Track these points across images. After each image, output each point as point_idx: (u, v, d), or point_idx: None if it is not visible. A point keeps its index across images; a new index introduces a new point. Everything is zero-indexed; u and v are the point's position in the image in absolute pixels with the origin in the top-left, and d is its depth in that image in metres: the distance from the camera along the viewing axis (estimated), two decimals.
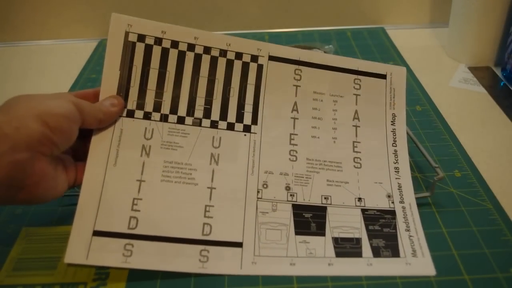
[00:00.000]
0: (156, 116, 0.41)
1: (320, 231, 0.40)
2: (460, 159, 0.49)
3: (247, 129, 0.43)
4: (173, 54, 0.42)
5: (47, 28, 0.78)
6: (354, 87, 0.46)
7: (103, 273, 0.38)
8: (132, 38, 0.42)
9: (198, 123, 0.42)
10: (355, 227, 0.40)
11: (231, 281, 0.37)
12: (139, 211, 0.38)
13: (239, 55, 0.44)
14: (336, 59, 0.46)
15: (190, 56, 0.43)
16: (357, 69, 0.46)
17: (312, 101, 0.45)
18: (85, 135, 0.39)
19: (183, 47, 0.43)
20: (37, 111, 0.34)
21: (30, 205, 0.42)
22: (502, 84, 0.62)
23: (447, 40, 0.70)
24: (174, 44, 0.42)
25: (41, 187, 0.35)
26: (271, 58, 0.44)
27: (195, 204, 0.39)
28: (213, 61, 0.43)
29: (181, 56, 0.42)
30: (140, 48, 0.42)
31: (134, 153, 0.40)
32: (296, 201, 0.41)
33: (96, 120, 0.39)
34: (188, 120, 0.42)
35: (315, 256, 0.38)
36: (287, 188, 0.41)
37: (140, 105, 0.41)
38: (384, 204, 0.42)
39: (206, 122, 0.42)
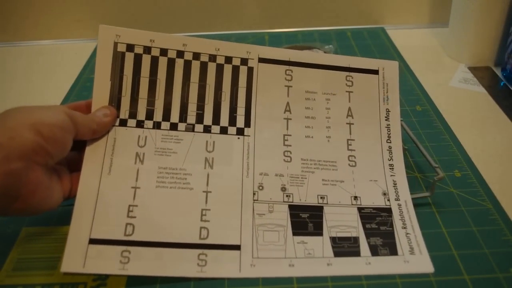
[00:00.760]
0: (148, 124, 0.42)
1: (318, 231, 0.40)
2: (460, 159, 0.49)
3: (240, 132, 0.43)
4: (162, 62, 0.43)
5: (47, 28, 0.78)
6: (346, 84, 0.46)
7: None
8: (121, 48, 0.42)
9: (191, 128, 0.42)
10: (352, 226, 0.40)
11: (231, 283, 0.37)
12: (135, 217, 0.38)
13: (228, 59, 0.44)
14: (327, 57, 0.46)
15: (179, 63, 0.43)
16: (348, 66, 0.46)
17: (304, 100, 0.45)
18: (79, 146, 0.40)
19: (172, 54, 0.43)
20: (31, 121, 0.34)
21: (25, 216, 0.42)
22: (502, 84, 0.62)
23: (447, 40, 0.70)
24: (163, 52, 0.43)
25: (36, 197, 0.35)
26: (261, 60, 0.45)
27: (191, 208, 0.39)
28: (203, 67, 0.43)
29: (171, 63, 0.43)
30: (129, 57, 0.42)
31: (128, 161, 0.40)
32: (292, 202, 0.41)
33: (89, 130, 0.39)
34: (181, 126, 0.42)
35: (314, 257, 0.38)
36: (283, 189, 0.42)
37: (133, 114, 0.42)
38: (380, 202, 0.42)
39: (199, 127, 0.42)
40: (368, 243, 0.39)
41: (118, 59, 0.42)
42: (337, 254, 0.38)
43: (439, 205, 0.44)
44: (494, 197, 0.44)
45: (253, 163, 0.42)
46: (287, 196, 0.41)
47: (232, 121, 0.43)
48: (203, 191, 0.40)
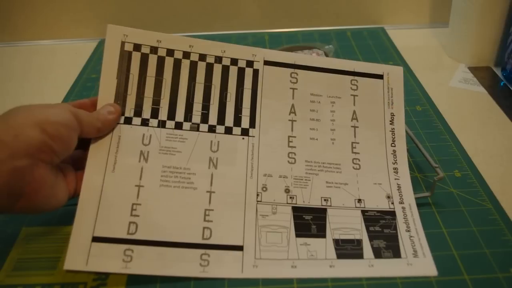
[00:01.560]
0: (153, 122, 0.42)
1: (321, 233, 0.40)
2: (460, 159, 0.49)
3: (245, 132, 0.43)
4: (169, 62, 0.43)
5: (47, 28, 0.78)
6: (351, 88, 0.46)
7: (103, 273, 0.38)
8: (128, 47, 0.43)
9: (196, 128, 0.42)
10: (356, 229, 0.40)
11: (231, 283, 0.37)
12: (138, 216, 0.38)
13: (234, 61, 0.44)
14: (332, 61, 0.47)
15: (185, 63, 0.43)
16: (353, 70, 0.46)
17: (309, 103, 0.45)
18: (84, 145, 0.40)
19: (178, 55, 0.43)
20: (36, 119, 0.34)
21: (30, 214, 0.42)
22: (502, 84, 0.62)
23: (447, 40, 0.70)
24: (170, 52, 0.43)
25: (41, 195, 0.35)
26: (267, 62, 0.45)
27: (195, 208, 0.39)
28: (209, 68, 0.44)
29: (177, 63, 0.43)
30: (136, 57, 0.43)
31: (133, 159, 0.40)
32: (296, 204, 0.41)
33: (94, 128, 0.39)
34: (186, 125, 0.42)
35: (316, 258, 0.38)
36: (287, 190, 0.41)
37: (138, 112, 0.42)
38: (384, 205, 0.42)
39: (203, 127, 0.42)
40: (372, 245, 0.39)
41: (125, 58, 0.42)
42: (340, 256, 0.38)
43: (439, 205, 0.44)
44: (494, 197, 0.44)
45: (257, 164, 0.42)
46: (290, 198, 0.41)
47: (237, 121, 0.43)
48: (207, 191, 0.40)
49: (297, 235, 0.39)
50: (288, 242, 0.39)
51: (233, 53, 0.44)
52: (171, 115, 0.42)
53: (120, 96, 0.42)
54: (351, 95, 0.46)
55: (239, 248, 0.38)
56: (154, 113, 0.42)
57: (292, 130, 0.44)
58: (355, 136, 0.45)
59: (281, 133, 0.44)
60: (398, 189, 0.43)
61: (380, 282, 0.37)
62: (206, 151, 0.42)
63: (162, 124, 0.42)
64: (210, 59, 0.44)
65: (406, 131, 0.47)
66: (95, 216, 0.37)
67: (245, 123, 0.43)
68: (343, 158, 0.44)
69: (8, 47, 0.78)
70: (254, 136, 0.43)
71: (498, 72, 0.64)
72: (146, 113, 0.42)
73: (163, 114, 0.42)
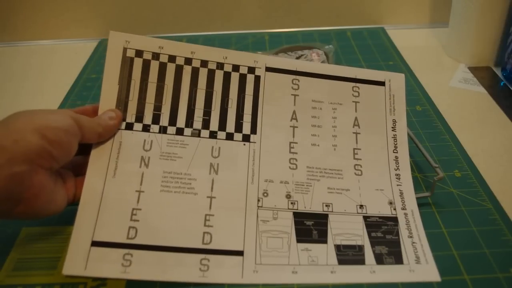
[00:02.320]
0: (155, 128, 0.42)
1: (322, 238, 0.39)
2: (460, 159, 0.49)
3: (246, 138, 0.43)
4: (170, 68, 0.43)
5: (48, 28, 0.78)
6: (353, 94, 0.46)
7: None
8: (130, 53, 0.43)
9: (197, 134, 0.43)
10: (358, 234, 0.40)
11: None
12: (138, 221, 0.38)
13: (236, 68, 0.45)
14: (334, 68, 0.47)
15: (187, 70, 0.44)
16: (355, 77, 0.46)
17: (311, 109, 0.45)
18: (85, 150, 0.40)
19: (180, 61, 0.44)
20: (36, 124, 0.34)
21: (28, 219, 0.42)
22: (502, 84, 0.62)
23: (447, 40, 0.70)
24: (172, 58, 0.44)
25: (40, 200, 0.35)
26: (268, 69, 0.45)
27: (195, 213, 0.39)
28: (210, 74, 0.44)
29: (179, 69, 0.43)
30: (138, 63, 0.43)
31: (133, 164, 0.40)
32: (297, 209, 0.41)
33: (95, 134, 0.39)
34: (187, 131, 0.42)
35: (318, 264, 0.38)
36: (288, 196, 0.41)
37: (139, 118, 0.42)
38: (386, 211, 0.42)
39: (205, 133, 0.43)
40: (373, 251, 0.39)
41: (126, 64, 0.43)
42: (341, 262, 0.38)
43: (439, 205, 0.44)
44: (494, 197, 0.44)
45: (258, 170, 0.42)
46: (291, 203, 0.41)
47: (238, 127, 0.43)
48: (207, 196, 0.40)
49: (298, 241, 0.39)
50: (289, 247, 0.39)
51: (235, 59, 0.45)
52: (172, 121, 0.43)
53: (122, 102, 0.42)
54: (353, 101, 0.46)
55: (240, 253, 0.38)
56: (156, 119, 0.42)
57: (293, 136, 0.44)
58: (356, 142, 0.44)
59: (282, 139, 0.44)
60: (401, 195, 0.42)
61: (381, 283, 0.37)
62: (207, 157, 0.42)
63: (163, 130, 0.42)
64: (212, 66, 0.44)
65: (407, 132, 0.47)
66: (95, 221, 0.37)
67: (246, 129, 0.43)
68: (344, 164, 0.43)
69: (8, 47, 0.78)
70: (255, 142, 0.43)
71: (498, 72, 0.64)
72: (148, 119, 0.42)
73: (164, 120, 0.42)
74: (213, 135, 0.43)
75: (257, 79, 0.45)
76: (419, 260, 0.38)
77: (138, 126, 0.42)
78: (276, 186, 0.41)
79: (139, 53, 0.43)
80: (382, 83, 0.47)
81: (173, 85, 0.43)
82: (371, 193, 0.42)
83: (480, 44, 0.65)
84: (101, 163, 0.40)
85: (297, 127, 0.44)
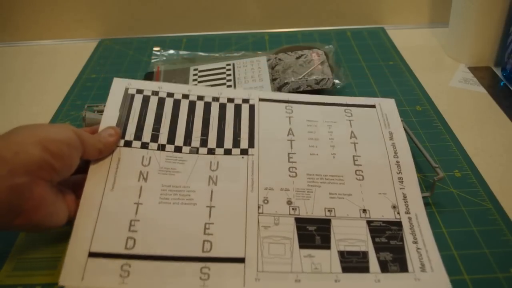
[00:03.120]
0: (153, 146, 0.43)
1: (325, 244, 0.38)
2: (460, 159, 0.49)
3: (244, 152, 0.44)
4: (169, 102, 0.47)
5: (48, 28, 0.78)
6: (345, 115, 0.47)
7: None
8: (131, 91, 0.47)
9: (195, 151, 0.43)
10: (361, 240, 0.39)
11: None
12: (136, 231, 0.38)
13: (231, 100, 0.48)
14: (324, 97, 0.49)
15: (185, 102, 0.47)
16: (345, 103, 0.48)
17: (306, 126, 0.46)
18: (84, 169, 0.40)
19: (178, 96, 0.47)
20: (38, 137, 0.34)
21: (31, 231, 0.42)
22: (502, 84, 0.62)
23: (447, 40, 0.70)
24: (170, 94, 0.47)
25: (40, 213, 0.35)
26: (262, 99, 0.48)
27: (194, 222, 0.39)
28: (207, 105, 0.47)
29: (177, 102, 0.47)
30: (138, 97, 0.47)
31: (132, 179, 0.41)
32: (298, 215, 0.40)
33: (96, 150, 0.40)
34: (185, 149, 0.43)
35: (321, 272, 0.37)
36: (289, 202, 0.41)
37: (138, 137, 0.43)
38: (389, 215, 0.41)
39: (203, 150, 0.43)
40: (378, 258, 0.38)
41: (128, 98, 0.46)
42: (345, 269, 0.37)
43: (439, 205, 0.44)
44: (494, 197, 0.44)
45: (257, 179, 0.42)
46: (293, 209, 0.40)
47: (236, 144, 0.44)
48: (207, 206, 0.40)
49: (301, 246, 0.38)
50: (291, 253, 0.38)
51: (229, 94, 0.48)
52: (171, 140, 0.44)
53: (121, 124, 0.44)
54: (347, 119, 0.47)
55: (241, 260, 0.37)
56: (154, 138, 0.44)
57: (291, 148, 0.44)
58: (356, 151, 0.44)
59: (280, 151, 0.44)
60: (404, 199, 0.42)
61: None
62: (205, 171, 0.42)
63: (161, 148, 0.43)
64: (208, 99, 0.47)
65: (406, 131, 0.47)
66: (92, 232, 0.37)
67: (244, 144, 0.44)
68: (345, 171, 0.43)
69: (8, 47, 0.78)
70: (253, 155, 0.43)
71: (498, 72, 0.64)
72: (146, 138, 0.43)
73: (162, 139, 0.44)
74: (211, 151, 0.43)
75: (252, 107, 0.47)
76: (424, 267, 0.37)
77: (136, 144, 0.43)
78: (276, 194, 0.41)
79: (139, 91, 0.47)
80: (373, 106, 0.49)
81: (171, 113, 0.46)
82: (374, 197, 0.42)
83: (480, 44, 0.65)
84: (99, 177, 0.40)
85: (294, 140, 0.45)
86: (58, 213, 0.37)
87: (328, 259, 0.38)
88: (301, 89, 0.58)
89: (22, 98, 0.64)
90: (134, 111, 0.45)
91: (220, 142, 0.44)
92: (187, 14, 0.78)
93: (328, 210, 0.41)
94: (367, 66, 0.67)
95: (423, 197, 0.43)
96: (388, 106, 0.49)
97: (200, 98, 0.47)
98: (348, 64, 0.67)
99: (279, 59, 0.63)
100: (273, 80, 0.60)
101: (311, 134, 0.45)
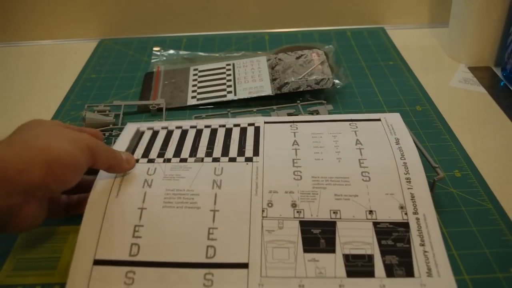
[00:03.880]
0: (159, 160, 0.44)
1: (330, 247, 0.38)
2: (460, 159, 0.49)
3: (249, 160, 0.44)
4: (177, 131, 0.49)
5: (47, 28, 0.78)
6: (350, 127, 0.47)
7: None
8: (142, 129, 0.49)
9: (200, 160, 0.44)
10: (367, 242, 0.38)
11: None
12: (140, 237, 0.38)
13: (237, 125, 0.49)
14: (329, 116, 0.50)
15: (192, 131, 0.49)
16: (350, 118, 0.48)
17: (311, 138, 0.46)
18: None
19: (186, 127, 0.49)
20: (48, 157, 0.34)
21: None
22: (502, 84, 0.62)
23: (447, 40, 0.70)
24: (178, 127, 0.49)
25: (20, 226, 0.36)
26: (267, 122, 0.48)
27: (198, 227, 0.38)
28: (213, 130, 0.48)
29: (184, 132, 0.49)
30: (148, 132, 0.49)
31: (137, 186, 0.41)
32: (303, 217, 0.39)
33: (107, 164, 0.40)
34: (191, 159, 0.44)
35: (325, 276, 0.36)
36: (293, 205, 0.40)
37: (145, 155, 0.45)
38: (397, 216, 0.39)
39: (208, 159, 0.44)
40: (383, 261, 0.37)
41: (138, 133, 0.49)
42: (350, 274, 0.36)
43: (439, 205, 0.44)
44: (494, 197, 0.44)
45: (261, 182, 0.41)
46: (297, 212, 0.40)
47: (241, 153, 0.44)
48: (211, 210, 0.39)
49: (305, 250, 0.37)
50: (295, 258, 0.37)
51: (236, 121, 0.49)
52: (177, 154, 0.45)
53: (130, 150, 0.46)
54: (352, 131, 0.47)
55: (244, 265, 0.37)
56: (161, 155, 0.45)
57: (296, 155, 0.44)
58: (361, 155, 0.44)
59: (285, 158, 0.44)
60: (412, 199, 0.40)
61: None
62: (209, 175, 0.42)
63: (167, 161, 0.44)
64: (215, 126, 0.49)
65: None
66: (97, 240, 0.37)
67: (248, 153, 0.44)
68: (351, 172, 0.42)
69: (9, 47, 0.78)
70: (258, 162, 0.43)
71: (498, 72, 0.65)
72: (153, 155, 0.45)
73: (169, 154, 0.45)
74: (216, 160, 0.44)
75: (257, 128, 0.48)
76: (431, 272, 0.36)
77: (143, 160, 0.44)
78: (280, 196, 0.40)
79: (150, 128, 0.49)
80: (378, 120, 0.48)
81: (178, 138, 0.47)
82: (380, 197, 0.41)
83: (480, 44, 0.65)
84: (104, 187, 0.41)
85: (299, 149, 0.44)
86: (36, 220, 0.37)
87: (332, 263, 0.37)
88: (301, 89, 0.58)
89: (23, 98, 0.64)
90: (143, 141, 0.47)
91: (225, 152, 0.44)
92: (187, 14, 0.78)
93: (334, 212, 0.40)
94: (367, 66, 0.67)
95: None
96: (393, 120, 0.47)
97: (207, 126, 0.49)
98: (348, 64, 0.67)
99: (279, 59, 0.63)
100: (273, 80, 0.60)
101: (316, 143, 0.45)
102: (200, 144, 0.46)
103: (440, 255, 0.37)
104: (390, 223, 0.39)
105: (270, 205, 0.40)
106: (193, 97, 0.60)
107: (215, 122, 0.49)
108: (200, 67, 0.66)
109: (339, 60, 0.68)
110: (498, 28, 0.63)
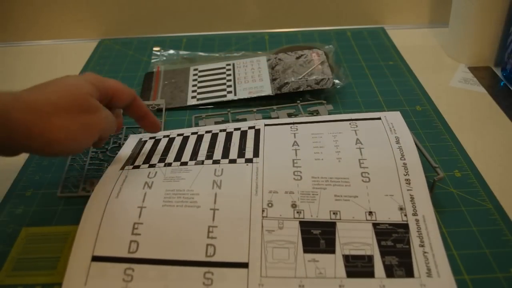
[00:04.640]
0: (160, 165, 0.44)
1: (330, 248, 0.38)
2: (460, 159, 0.49)
3: (249, 161, 0.44)
4: (178, 138, 0.49)
5: (48, 28, 0.78)
6: (350, 126, 0.47)
7: None
8: (145, 139, 0.50)
9: (200, 163, 0.44)
10: (367, 243, 0.38)
11: None
12: (139, 234, 0.38)
13: (237, 128, 0.49)
14: (329, 116, 0.49)
15: (193, 137, 0.49)
16: (350, 118, 0.48)
17: (311, 138, 0.46)
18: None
19: (187, 134, 0.50)
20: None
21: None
22: (502, 84, 0.62)
23: (447, 40, 0.70)
24: (180, 134, 0.50)
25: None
26: (267, 125, 0.49)
27: (198, 225, 0.38)
28: (214, 135, 0.49)
29: (186, 138, 0.49)
30: (151, 141, 0.49)
31: (137, 188, 0.41)
32: (303, 218, 0.39)
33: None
34: (191, 162, 0.44)
35: (325, 277, 0.36)
36: (293, 205, 0.40)
37: (146, 161, 0.46)
38: (396, 217, 0.40)
39: (208, 162, 0.44)
40: (383, 262, 0.37)
41: (140, 142, 0.50)
42: (349, 274, 0.36)
43: (439, 205, 0.44)
44: (494, 197, 0.44)
45: (262, 182, 0.41)
46: (297, 212, 0.40)
47: (241, 155, 0.44)
48: (210, 209, 0.39)
49: (305, 251, 0.38)
50: (295, 258, 0.37)
51: (236, 125, 0.49)
52: (178, 158, 0.45)
53: (132, 158, 0.46)
54: (352, 130, 0.47)
55: (244, 265, 0.37)
56: (162, 160, 0.45)
57: (296, 155, 0.44)
58: (361, 155, 0.44)
59: (285, 158, 0.44)
60: (411, 200, 0.41)
61: None
62: (210, 176, 0.42)
63: (168, 165, 0.44)
64: (215, 131, 0.49)
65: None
66: (96, 236, 0.37)
67: (248, 155, 0.44)
68: (351, 173, 0.42)
69: (9, 47, 0.78)
70: (258, 162, 0.43)
71: (498, 72, 0.65)
72: (154, 161, 0.45)
73: (170, 159, 0.45)
74: (216, 162, 0.44)
75: (257, 131, 0.48)
76: (431, 273, 0.36)
77: (144, 166, 0.45)
78: (281, 197, 0.41)
79: (152, 137, 0.50)
80: (378, 118, 0.48)
81: (179, 144, 0.48)
82: (380, 199, 0.41)
83: (480, 44, 0.65)
84: (106, 188, 0.41)
85: (299, 149, 0.45)
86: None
87: (332, 263, 0.37)
88: (301, 89, 0.58)
89: None
90: (145, 149, 0.48)
91: (225, 155, 0.45)
92: (187, 14, 0.78)
93: (333, 213, 0.40)
94: (367, 66, 0.67)
95: None
96: (393, 118, 0.48)
97: (208, 132, 0.49)
98: (348, 64, 0.67)
99: (279, 59, 0.63)
100: (273, 80, 0.60)
101: (316, 143, 0.45)
102: (201, 148, 0.46)
103: (439, 255, 0.37)
104: (390, 224, 0.39)
105: (270, 205, 0.40)
106: (193, 97, 0.60)
107: (215, 127, 0.49)
108: (200, 67, 0.66)
109: (339, 60, 0.68)
110: (498, 28, 0.63)
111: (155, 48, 0.73)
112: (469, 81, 0.63)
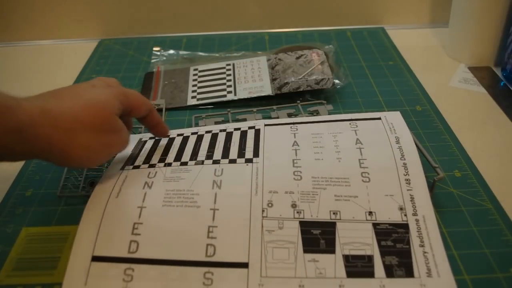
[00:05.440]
0: (160, 165, 0.44)
1: (330, 248, 0.38)
2: (460, 159, 0.49)
3: (249, 161, 0.44)
4: (178, 138, 0.49)
5: (48, 28, 0.78)
6: (350, 126, 0.47)
7: None
8: (145, 139, 0.50)
9: (200, 163, 0.44)
10: (367, 243, 0.38)
11: None
12: (139, 234, 0.38)
13: (237, 128, 0.49)
14: (329, 116, 0.49)
15: (193, 137, 0.49)
16: (350, 118, 0.48)
17: (311, 138, 0.46)
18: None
19: (187, 133, 0.49)
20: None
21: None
22: (502, 84, 0.62)
23: (447, 40, 0.70)
24: (180, 134, 0.49)
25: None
26: (267, 124, 0.48)
27: (198, 225, 0.38)
28: (214, 135, 0.48)
29: (186, 138, 0.49)
30: (151, 141, 0.49)
31: (137, 188, 0.41)
32: (303, 218, 0.39)
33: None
34: (191, 162, 0.44)
35: (325, 277, 0.36)
36: (293, 205, 0.40)
37: (146, 161, 0.45)
38: (396, 217, 0.39)
39: (208, 162, 0.44)
40: (383, 262, 0.37)
41: (140, 142, 0.49)
42: (349, 274, 0.36)
43: (439, 205, 0.44)
44: (494, 197, 0.44)
45: (262, 182, 0.41)
46: (297, 212, 0.40)
47: (241, 155, 0.44)
48: (210, 209, 0.39)
49: (305, 251, 0.37)
50: (295, 258, 0.37)
51: (236, 125, 0.49)
52: (178, 158, 0.45)
53: (132, 159, 0.46)
54: (352, 130, 0.46)
55: (244, 265, 0.37)
56: (162, 160, 0.45)
57: (296, 155, 0.44)
58: (361, 155, 0.44)
59: (285, 158, 0.44)
60: (411, 200, 0.40)
61: None
62: (210, 176, 0.42)
63: (168, 165, 0.44)
64: (215, 131, 0.49)
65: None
66: (96, 236, 0.37)
67: (248, 155, 0.44)
68: (351, 173, 0.42)
69: (9, 47, 0.78)
70: (258, 162, 0.43)
71: (498, 72, 0.65)
72: (154, 161, 0.45)
73: (170, 159, 0.45)
74: (216, 162, 0.44)
75: (257, 131, 0.48)
76: (431, 273, 0.36)
77: (144, 166, 0.44)
78: (281, 197, 0.40)
79: (152, 137, 0.49)
80: (378, 119, 0.48)
81: (179, 144, 0.47)
82: (380, 199, 0.41)
83: (480, 44, 0.65)
84: (105, 188, 0.41)
85: (299, 149, 0.44)
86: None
87: (332, 263, 0.37)
88: (301, 89, 0.58)
89: None
90: (145, 149, 0.47)
91: (225, 155, 0.45)
92: (187, 14, 0.78)
93: (333, 213, 0.40)
94: (367, 66, 0.67)
95: None
96: (393, 118, 0.48)
97: (208, 132, 0.49)
98: (348, 64, 0.67)
99: (279, 59, 0.63)
100: (273, 80, 0.60)
101: (316, 144, 0.45)
102: (201, 148, 0.46)
103: (439, 255, 0.37)
104: (390, 224, 0.39)
105: (270, 205, 0.40)
106: (193, 97, 0.60)
107: (216, 127, 0.49)
108: (200, 67, 0.66)
109: (339, 60, 0.68)
110: (498, 28, 0.63)
111: (155, 48, 0.73)
112: (469, 81, 0.63)
